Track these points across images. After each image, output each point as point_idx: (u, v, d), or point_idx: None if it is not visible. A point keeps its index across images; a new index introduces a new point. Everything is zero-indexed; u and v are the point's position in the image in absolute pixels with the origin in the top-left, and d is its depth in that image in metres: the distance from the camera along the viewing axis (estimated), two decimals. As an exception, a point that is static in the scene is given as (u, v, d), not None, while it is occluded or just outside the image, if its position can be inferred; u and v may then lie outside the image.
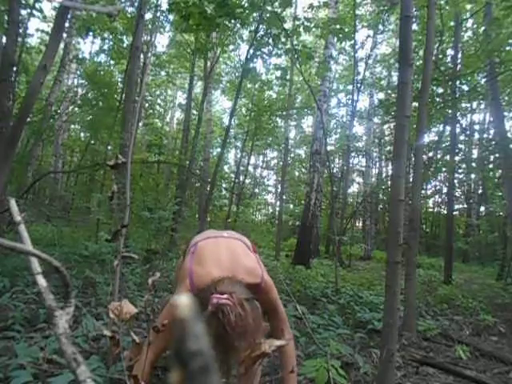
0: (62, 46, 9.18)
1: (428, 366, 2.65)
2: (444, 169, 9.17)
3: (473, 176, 13.52)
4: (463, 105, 9.77)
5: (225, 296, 1.18)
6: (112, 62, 11.06)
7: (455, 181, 10.42)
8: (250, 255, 1.58)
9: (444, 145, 9.62)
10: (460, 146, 10.49)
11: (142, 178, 8.40)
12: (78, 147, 14.16)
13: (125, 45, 9.76)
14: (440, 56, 7.25)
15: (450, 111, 7.60)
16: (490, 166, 8.96)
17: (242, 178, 15.90)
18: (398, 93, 2.29)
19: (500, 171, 8.17)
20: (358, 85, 9.36)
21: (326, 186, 11.78)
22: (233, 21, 5.33)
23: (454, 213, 11.93)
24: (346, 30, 6.58)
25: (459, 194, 15.23)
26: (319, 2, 7.19)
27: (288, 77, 10.16)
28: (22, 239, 0.64)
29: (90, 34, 9.11)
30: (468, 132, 12.23)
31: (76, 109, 11.42)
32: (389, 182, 14.65)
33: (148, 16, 8.96)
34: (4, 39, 3.86)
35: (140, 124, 13.67)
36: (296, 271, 6.44)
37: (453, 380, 2.50)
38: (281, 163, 18.20)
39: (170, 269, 4.98)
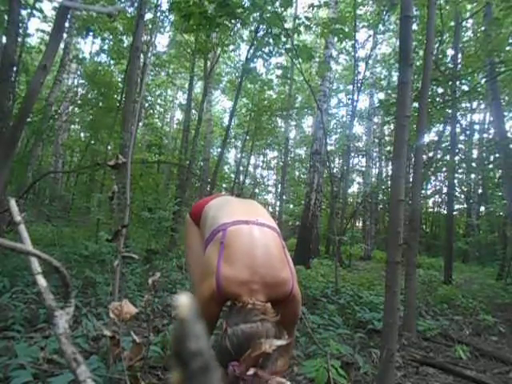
0: (62, 46, 9.18)
1: (428, 366, 2.65)
2: (444, 169, 9.17)
3: (473, 176, 13.51)
4: (463, 105, 9.77)
5: (251, 372, 1.08)
6: (112, 61, 11.05)
7: (455, 181, 10.40)
8: (283, 259, 1.46)
9: (444, 145, 9.61)
10: (460, 145, 10.49)
11: (141, 177, 8.39)
12: (78, 147, 14.17)
13: (125, 45, 9.77)
14: (440, 56, 7.24)
15: (450, 111, 7.60)
16: (490, 166, 8.96)
17: (242, 178, 15.89)
18: (398, 93, 2.29)
19: (500, 171, 8.16)
20: (358, 85, 9.35)
21: (326, 186, 11.77)
22: (233, 21, 5.32)
23: (454, 213, 11.92)
24: (347, 29, 6.56)
25: (459, 194, 15.21)
26: (319, 2, 7.17)
27: (288, 75, 10.18)
28: (22, 239, 0.64)
29: (90, 33, 9.11)
30: (468, 132, 12.23)
31: (76, 109, 11.42)
32: (389, 182, 14.65)
33: (148, 16, 8.95)
34: (4, 39, 3.86)
35: (140, 124, 13.67)
36: (296, 271, 6.41)
37: (453, 380, 2.50)
38: (281, 163, 18.20)
39: (170, 269, 4.98)
